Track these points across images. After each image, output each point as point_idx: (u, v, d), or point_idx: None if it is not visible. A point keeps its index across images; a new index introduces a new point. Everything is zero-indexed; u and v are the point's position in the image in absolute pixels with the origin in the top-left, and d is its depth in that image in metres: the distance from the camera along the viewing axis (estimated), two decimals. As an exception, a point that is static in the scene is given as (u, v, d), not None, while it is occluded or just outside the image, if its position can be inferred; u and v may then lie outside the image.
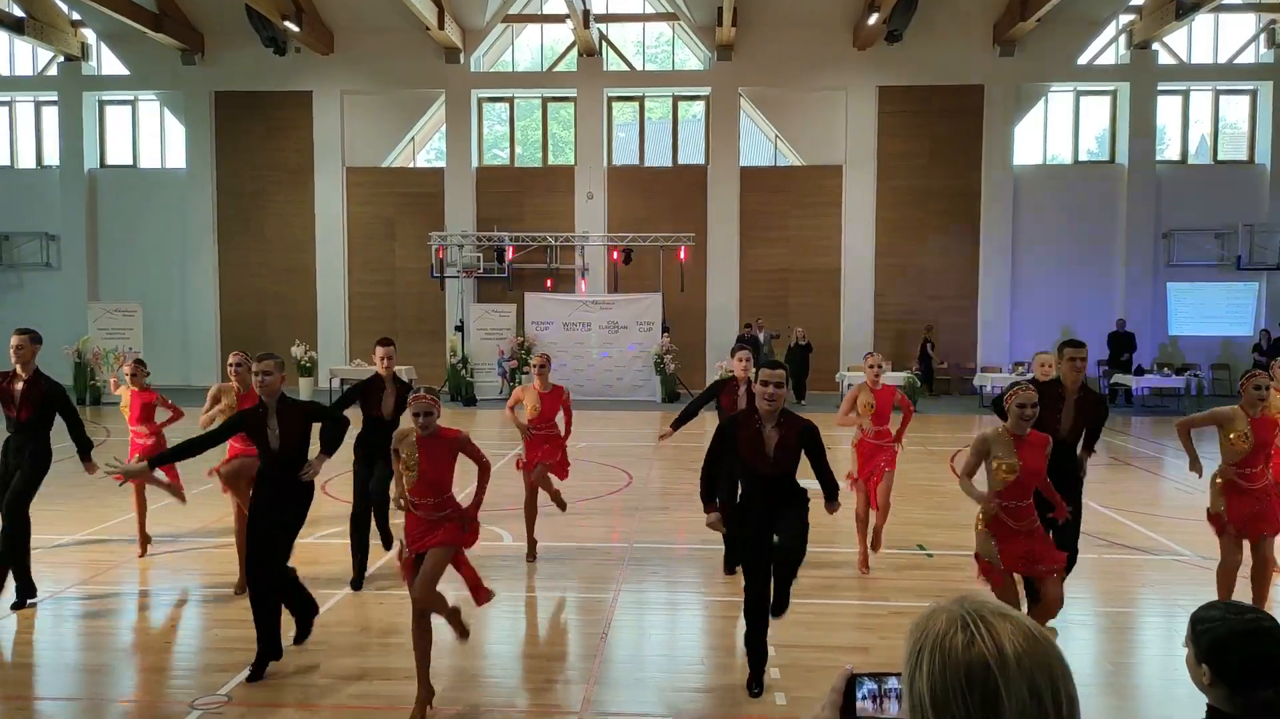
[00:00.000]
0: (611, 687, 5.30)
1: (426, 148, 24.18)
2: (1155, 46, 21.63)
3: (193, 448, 5.36)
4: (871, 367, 7.45)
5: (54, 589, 6.83)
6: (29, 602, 6.50)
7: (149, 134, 23.81)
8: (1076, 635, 6.07)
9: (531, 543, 7.72)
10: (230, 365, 7.21)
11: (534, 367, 7.72)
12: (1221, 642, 2.09)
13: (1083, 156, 22.64)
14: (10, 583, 6.52)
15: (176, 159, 23.40)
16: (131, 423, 7.75)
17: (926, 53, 21.45)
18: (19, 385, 6.46)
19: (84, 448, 6.63)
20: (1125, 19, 21.77)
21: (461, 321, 21.00)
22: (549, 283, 21.78)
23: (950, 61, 21.54)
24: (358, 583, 6.95)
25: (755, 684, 5.12)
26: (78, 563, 7.55)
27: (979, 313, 22.09)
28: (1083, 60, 21.85)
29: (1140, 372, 19.38)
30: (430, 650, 4.87)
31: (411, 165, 23.84)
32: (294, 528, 5.47)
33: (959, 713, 1.20)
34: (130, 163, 23.73)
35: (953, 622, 1.24)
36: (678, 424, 7.46)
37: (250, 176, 22.88)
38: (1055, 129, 22.64)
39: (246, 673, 5.28)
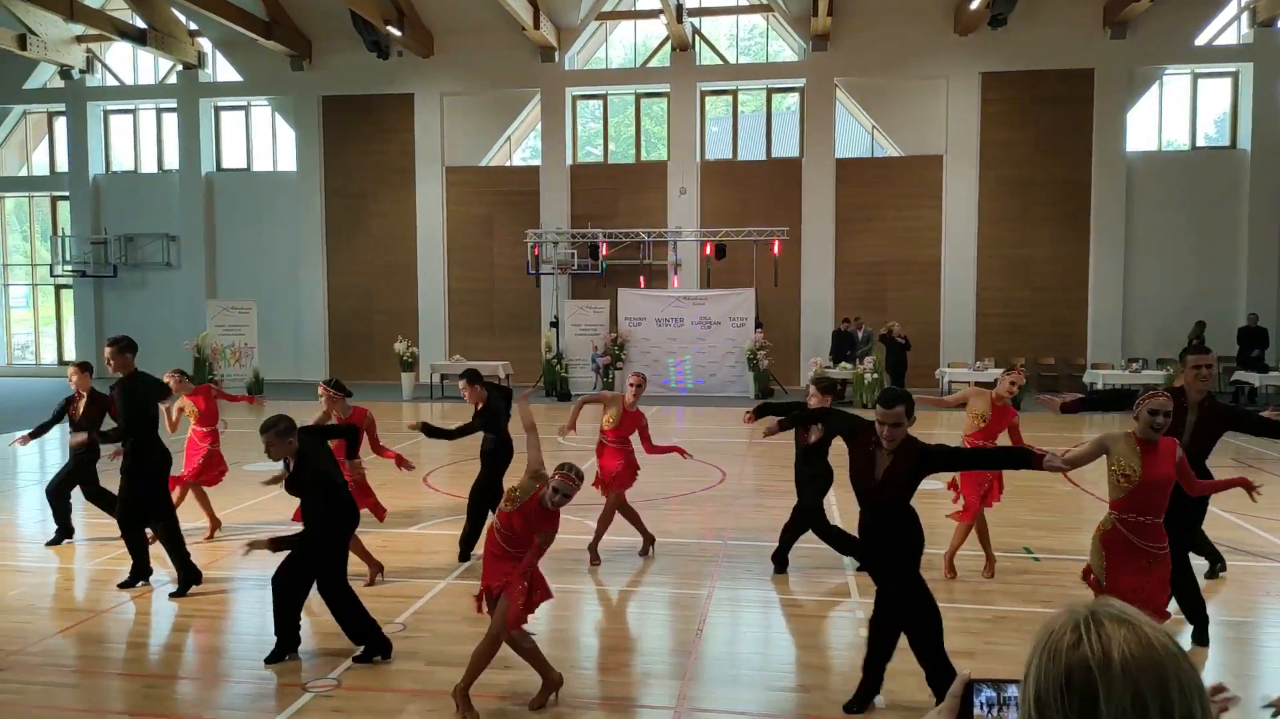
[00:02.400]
0: (707, 683, 5.31)
1: (522, 146, 24.54)
2: (1282, 23, 20.38)
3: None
4: (1013, 383, 7.10)
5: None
6: (192, 588, 6.85)
7: (261, 138, 24.84)
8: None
9: (647, 538, 7.79)
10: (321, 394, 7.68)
11: (631, 385, 7.78)
12: None
13: (1201, 142, 21.51)
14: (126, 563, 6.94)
15: (287, 162, 24.35)
16: (202, 424, 8.37)
17: (1032, 37, 20.69)
18: (116, 399, 6.95)
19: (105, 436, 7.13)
20: (1249, -5, 20.59)
21: (556, 317, 21.28)
22: (642, 280, 21.86)
23: (1058, 45, 20.73)
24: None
25: (855, 704, 4.88)
26: (197, 549, 7.93)
27: (1090, 307, 21.24)
28: (1201, 41, 20.75)
29: (1265, 369, 18.31)
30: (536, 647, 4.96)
31: (508, 164, 24.24)
32: (317, 546, 5.44)
33: (1056, 716, 1.17)
34: (244, 166, 24.81)
35: (1068, 623, 1.22)
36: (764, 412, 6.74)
37: (356, 177, 23.64)
38: (1171, 113, 21.56)
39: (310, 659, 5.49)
